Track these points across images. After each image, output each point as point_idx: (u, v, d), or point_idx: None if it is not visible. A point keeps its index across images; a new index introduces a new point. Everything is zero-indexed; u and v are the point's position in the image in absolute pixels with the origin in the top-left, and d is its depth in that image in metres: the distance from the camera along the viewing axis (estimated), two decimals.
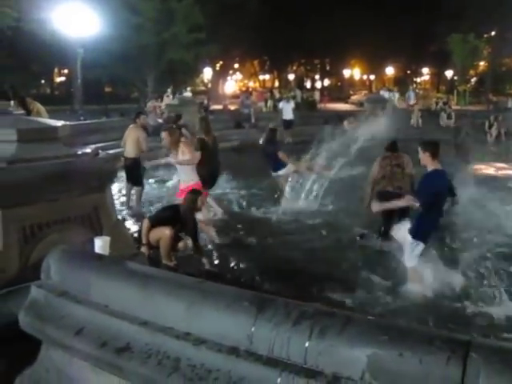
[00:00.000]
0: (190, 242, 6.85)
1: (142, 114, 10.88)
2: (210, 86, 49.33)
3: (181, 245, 6.85)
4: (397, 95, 32.53)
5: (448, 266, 6.43)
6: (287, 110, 21.73)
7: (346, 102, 48.61)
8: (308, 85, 67.97)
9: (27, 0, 22.53)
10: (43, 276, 3.28)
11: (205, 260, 6.83)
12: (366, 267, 6.65)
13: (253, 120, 25.23)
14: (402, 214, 7.47)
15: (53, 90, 49.55)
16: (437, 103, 32.34)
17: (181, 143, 7.95)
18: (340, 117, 14.72)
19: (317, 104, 38.36)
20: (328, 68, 68.95)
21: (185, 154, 7.86)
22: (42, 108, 11.80)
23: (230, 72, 64.18)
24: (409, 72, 66.33)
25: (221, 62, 52.85)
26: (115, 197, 9.55)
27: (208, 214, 8.65)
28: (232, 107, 31.21)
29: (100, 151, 4.70)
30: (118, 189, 10.78)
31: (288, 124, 20.92)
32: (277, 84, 66.16)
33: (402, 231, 6.41)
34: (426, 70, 63.91)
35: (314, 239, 7.93)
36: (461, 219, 7.85)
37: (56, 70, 49.98)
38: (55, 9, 19.23)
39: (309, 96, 44.51)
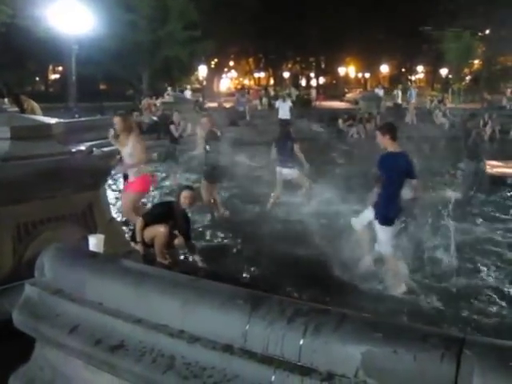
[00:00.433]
0: (181, 239, 6.84)
1: (134, 111, 10.89)
2: (204, 83, 49.25)
3: (177, 242, 6.85)
4: (400, 93, 32.56)
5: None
6: (284, 109, 21.63)
7: (341, 100, 48.64)
8: (303, 83, 67.96)
9: None
10: (37, 274, 3.27)
11: (198, 258, 6.82)
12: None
13: (248, 118, 25.26)
14: None
15: (47, 88, 49.33)
16: (431, 101, 32.43)
17: (132, 135, 7.49)
18: (335, 115, 14.76)
19: (312, 102, 38.36)
20: (323, 66, 68.87)
21: (135, 147, 7.39)
22: (36, 105, 11.78)
23: (225, 70, 64.12)
24: (404, 70, 66.38)
25: (216, 60, 52.78)
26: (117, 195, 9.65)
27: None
28: (227, 105, 31.19)
29: (94, 149, 4.68)
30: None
31: (284, 123, 20.92)
32: (272, 82, 66.13)
33: (364, 219, 6.51)
34: (420, 68, 63.94)
35: (310, 237, 7.91)
36: None
37: (51, 68, 49.83)
38: (50, 6, 19.15)
39: (305, 94, 44.56)
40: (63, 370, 3.05)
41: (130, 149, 7.37)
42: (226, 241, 7.98)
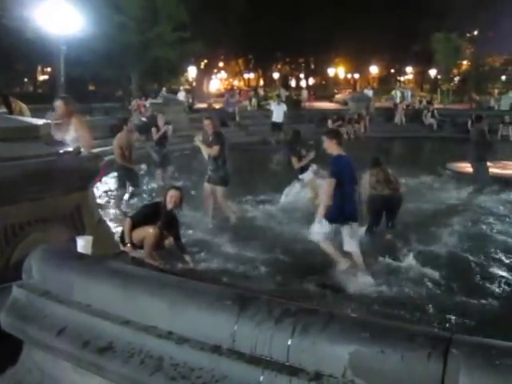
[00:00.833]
0: (171, 239, 6.83)
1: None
2: (194, 84, 49.16)
3: (167, 242, 6.84)
4: (399, 93, 32.88)
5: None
6: (278, 112, 21.51)
7: (331, 101, 48.79)
8: (293, 83, 68.05)
9: None
10: (25, 276, 3.25)
11: (188, 258, 6.81)
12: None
13: (237, 118, 25.25)
14: (389, 213, 7.84)
15: (36, 89, 49.00)
16: (420, 102, 32.64)
17: (74, 119, 7.19)
18: (324, 116, 14.85)
19: (301, 103, 38.43)
20: (312, 67, 69.07)
21: (78, 131, 7.04)
22: (24, 106, 11.66)
23: (215, 71, 64.00)
24: (393, 71, 66.66)
25: (205, 61, 52.64)
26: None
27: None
28: (217, 106, 31.15)
29: (82, 150, 4.65)
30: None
31: (276, 126, 20.91)
32: (262, 83, 66.16)
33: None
34: (409, 69, 64.24)
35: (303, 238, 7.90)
36: None
37: (39, 69, 49.49)
38: (38, 6, 19.02)
39: (296, 94, 44.62)
40: (51, 372, 3.03)
41: (73, 133, 6.97)
42: (214, 240, 7.97)
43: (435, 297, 6.04)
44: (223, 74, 70.08)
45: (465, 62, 51.10)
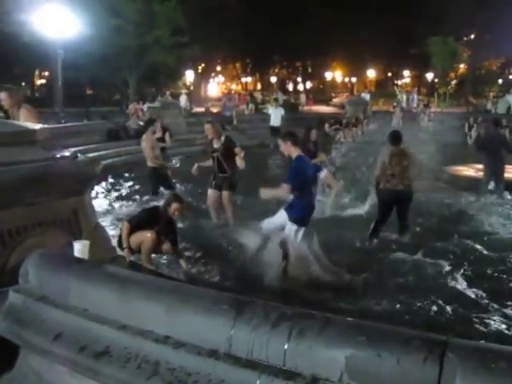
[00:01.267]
0: (168, 244, 6.81)
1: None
2: (192, 88, 49.22)
3: (164, 247, 6.82)
4: (405, 97, 33.02)
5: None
6: (276, 116, 21.46)
7: (328, 105, 48.87)
8: (290, 87, 68.14)
9: (7, 1, 22.32)
10: (21, 280, 3.24)
11: (184, 263, 6.80)
12: None
13: (235, 122, 25.24)
14: (399, 214, 7.79)
15: (33, 93, 49.02)
16: (417, 105, 32.74)
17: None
18: (322, 119, 14.83)
19: (299, 106, 38.45)
20: (310, 70, 69.20)
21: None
22: (22, 111, 11.67)
23: (212, 74, 64.11)
24: (390, 74, 66.83)
25: (203, 65, 52.75)
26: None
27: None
28: (214, 110, 31.16)
29: (79, 154, 4.65)
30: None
31: (274, 131, 20.88)
32: (259, 86, 66.23)
33: (276, 221, 6.72)
34: (407, 73, 64.41)
35: None
36: None
37: (37, 73, 49.53)
38: (35, 10, 19.03)
39: (294, 98, 44.68)
40: (48, 377, 3.02)
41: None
42: (210, 246, 7.95)
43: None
44: (221, 78, 70.18)
45: (462, 66, 51.26)
